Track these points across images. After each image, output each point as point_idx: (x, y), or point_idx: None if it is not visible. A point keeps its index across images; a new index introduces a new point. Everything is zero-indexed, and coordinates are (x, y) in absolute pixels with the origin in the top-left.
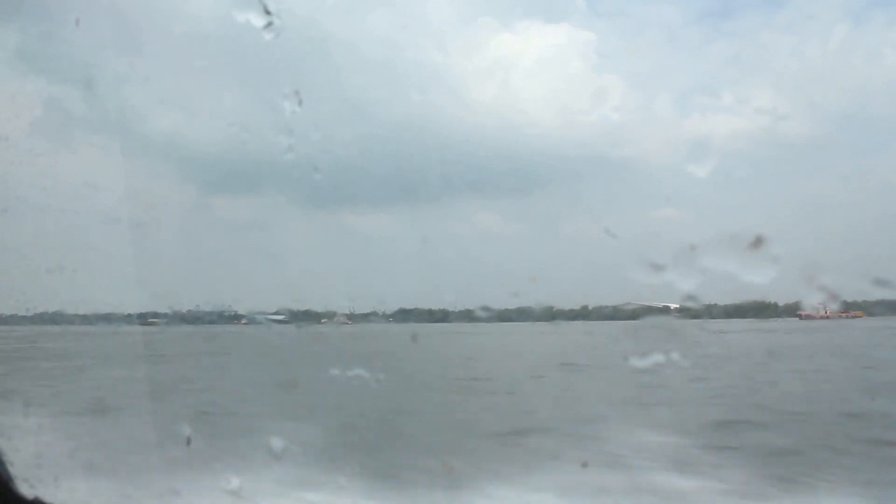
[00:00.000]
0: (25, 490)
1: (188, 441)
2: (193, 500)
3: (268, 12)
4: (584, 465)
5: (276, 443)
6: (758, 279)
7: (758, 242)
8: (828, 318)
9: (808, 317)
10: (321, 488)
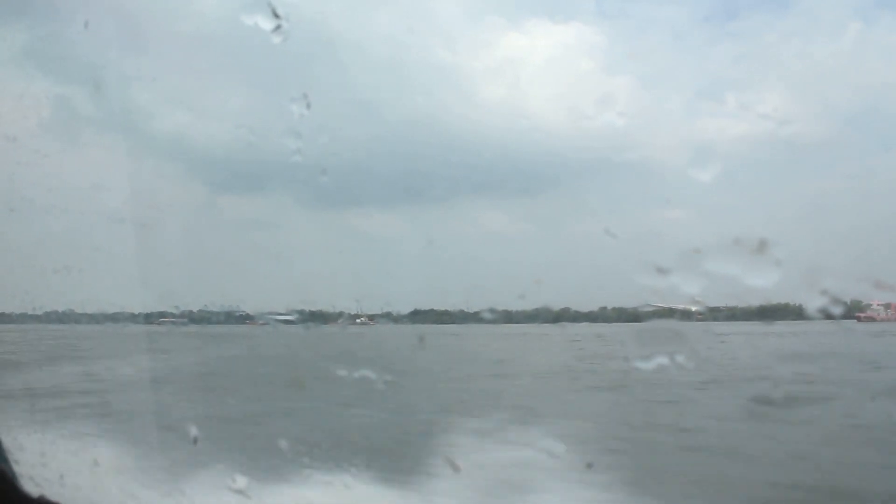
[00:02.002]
0: (31, 488)
1: (195, 441)
2: (198, 499)
3: (276, 16)
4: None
5: None
6: (764, 283)
7: (762, 246)
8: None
9: (869, 318)
10: (327, 487)
